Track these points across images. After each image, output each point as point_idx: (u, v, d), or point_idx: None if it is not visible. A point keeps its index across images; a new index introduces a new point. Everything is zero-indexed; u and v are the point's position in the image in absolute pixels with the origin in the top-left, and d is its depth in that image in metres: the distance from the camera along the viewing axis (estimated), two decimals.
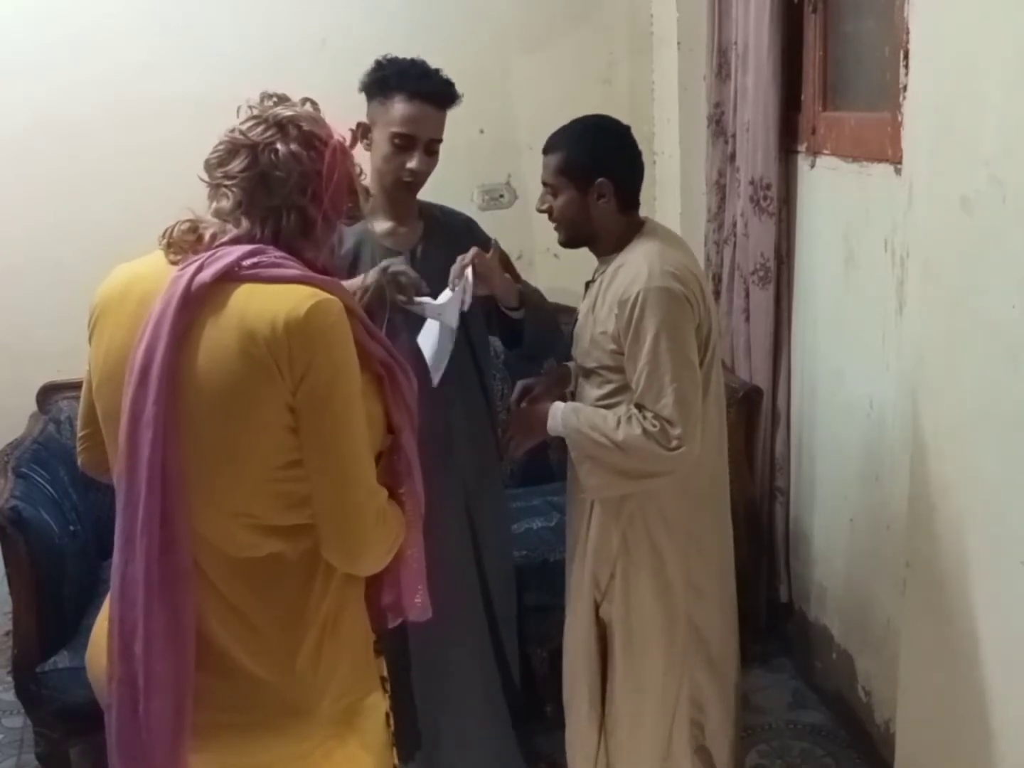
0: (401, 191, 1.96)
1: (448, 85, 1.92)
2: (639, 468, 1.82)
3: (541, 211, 1.92)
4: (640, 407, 1.78)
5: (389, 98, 1.88)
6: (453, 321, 1.82)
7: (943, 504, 1.65)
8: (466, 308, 1.84)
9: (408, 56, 1.94)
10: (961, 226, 1.53)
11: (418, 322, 1.87)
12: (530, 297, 2.02)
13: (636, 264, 1.81)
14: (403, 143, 1.89)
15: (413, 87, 1.87)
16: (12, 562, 2.21)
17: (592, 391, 1.91)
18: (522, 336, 2.02)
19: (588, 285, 1.97)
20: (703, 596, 1.95)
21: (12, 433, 2.67)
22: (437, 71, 1.93)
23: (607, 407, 1.86)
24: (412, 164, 1.90)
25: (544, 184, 1.89)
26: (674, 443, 1.75)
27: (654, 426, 1.75)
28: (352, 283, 1.79)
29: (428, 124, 1.90)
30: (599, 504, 1.92)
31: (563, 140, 1.87)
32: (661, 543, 1.90)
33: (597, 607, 1.97)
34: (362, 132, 1.93)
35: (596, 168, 1.83)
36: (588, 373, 1.93)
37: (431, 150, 1.93)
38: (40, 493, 2.41)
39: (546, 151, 1.88)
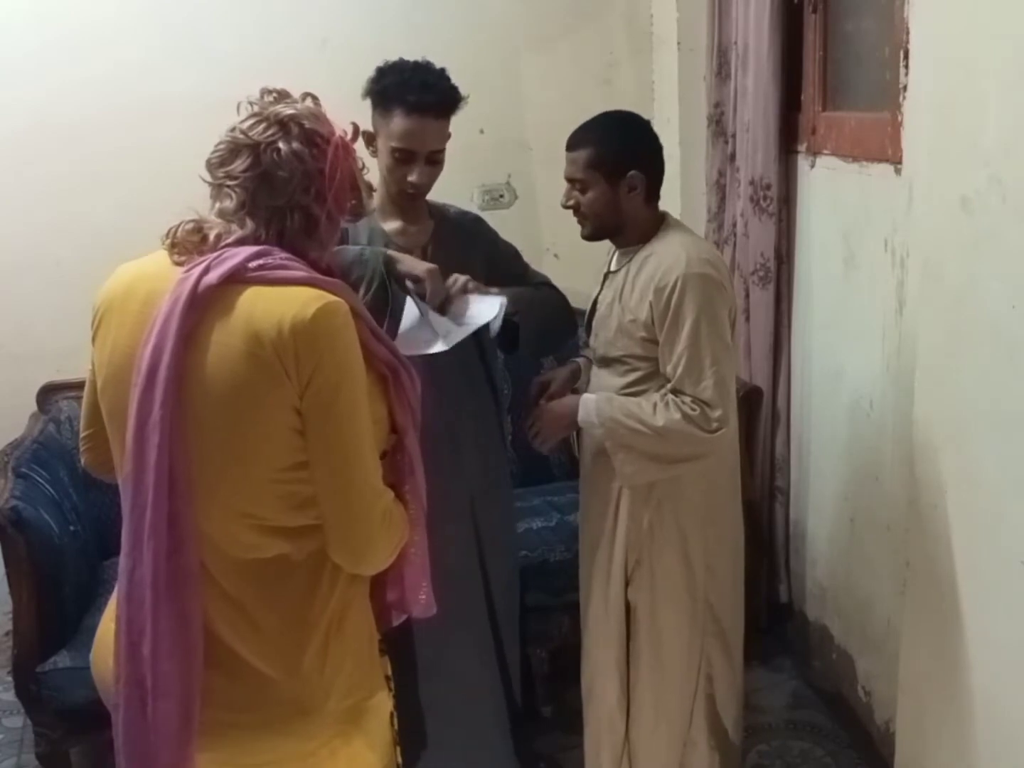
0: (406, 200, 1.96)
1: (449, 92, 1.88)
2: (677, 452, 1.85)
3: (567, 207, 1.92)
4: (677, 391, 1.81)
5: (389, 111, 1.86)
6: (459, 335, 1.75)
7: (943, 504, 1.65)
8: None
9: (409, 57, 1.93)
10: (961, 226, 1.53)
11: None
12: (526, 302, 1.99)
13: (671, 252, 1.84)
14: (403, 157, 1.87)
15: (413, 100, 1.83)
16: (12, 562, 2.20)
17: (615, 380, 1.93)
18: (517, 338, 2.00)
19: (607, 275, 1.99)
20: (717, 575, 1.99)
21: (12, 433, 2.66)
22: (440, 73, 1.89)
23: (631, 395, 1.89)
24: (413, 177, 1.89)
25: (571, 180, 1.90)
26: (714, 425, 1.79)
27: (693, 410, 1.78)
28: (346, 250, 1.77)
29: (428, 137, 1.87)
30: (627, 491, 1.94)
31: (591, 135, 1.88)
32: (685, 527, 1.94)
33: (625, 593, 1.99)
34: (367, 139, 1.92)
35: (627, 161, 1.85)
36: (611, 362, 1.94)
37: (433, 160, 1.91)
38: (40, 493, 2.40)
39: (572, 147, 1.89)
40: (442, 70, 1.91)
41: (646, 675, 2.00)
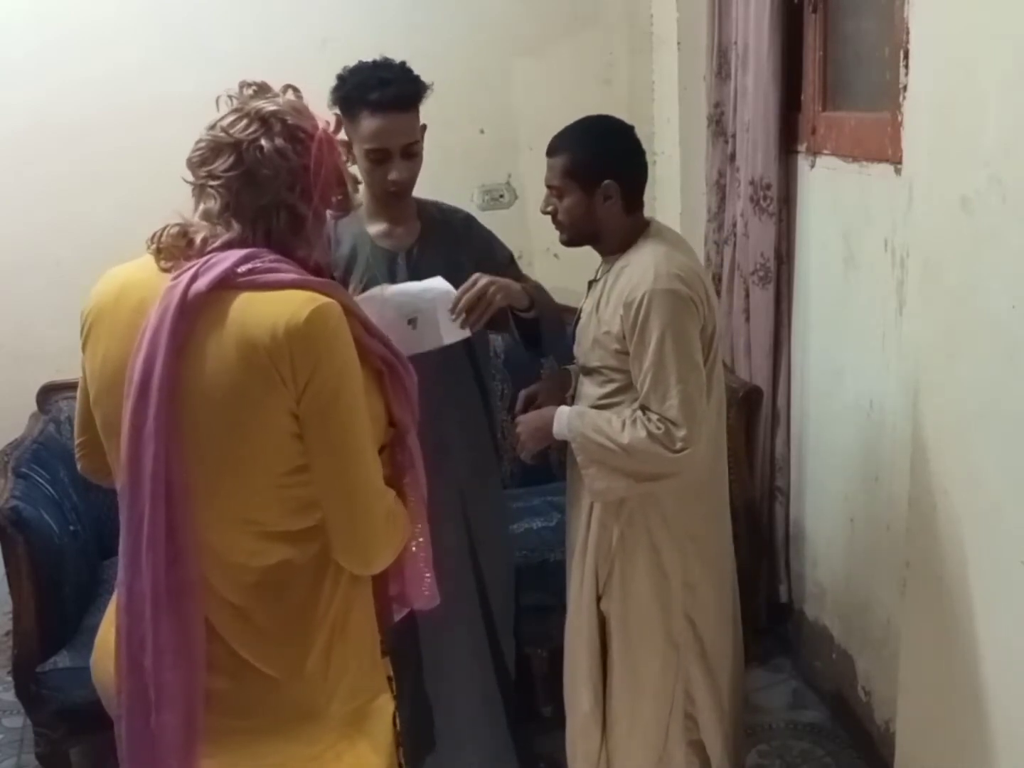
0: (392, 199, 1.95)
1: (410, 84, 1.87)
2: (644, 471, 1.82)
3: (546, 212, 1.91)
4: (644, 409, 1.78)
5: (356, 115, 1.85)
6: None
7: (943, 504, 1.65)
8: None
9: (409, 57, 1.92)
10: (961, 226, 1.53)
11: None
12: (538, 296, 2.00)
13: (641, 266, 1.81)
14: (378, 156, 1.87)
15: (375, 100, 1.82)
16: (12, 562, 2.21)
17: (594, 389, 1.91)
18: (540, 337, 2.01)
19: (591, 284, 1.98)
20: (699, 592, 1.96)
21: (12, 433, 2.67)
22: (401, 67, 1.88)
23: (609, 406, 1.87)
24: (392, 175, 1.88)
25: (548, 186, 1.88)
26: (679, 445, 1.75)
27: (658, 428, 1.75)
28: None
29: (397, 132, 1.86)
30: (599, 503, 1.93)
31: (568, 142, 1.86)
32: (659, 541, 1.91)
33: (598, 604, 1.97)
34: (345, 149, 1.91)
35: (602, 170, 1.82)
36: (590, 371, 1.93)
37: (410, 153, 1.89)
38: (40, 493, 2.41)
39: (550, 153, 1.87)
40: (402, 64, 1.89)
41: (619, 685, 1.98)
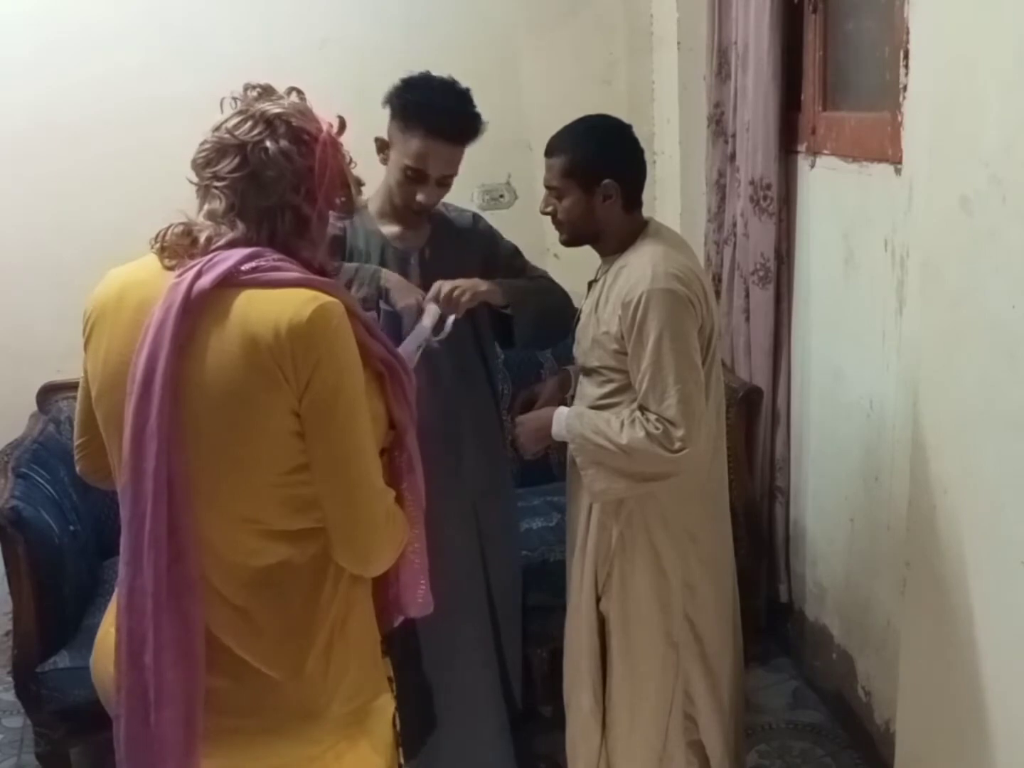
0: (410, 213, 1.95)
1: (471, 120, 1.86)
2: (643, 471, 1.82)
3: (545, 213, 1.91)
4: (643, 409, 1.78)
5: (408, 128, 1.83)
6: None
7: (943, 504, 1.65)
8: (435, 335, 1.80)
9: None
10: (961, 226, 1.53)
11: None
12: (521, 293, 2.00)
13: (640, 266, 1.81)
14: (415, 176, 1.87)
15: (433, 124, 1.81)
16: (12, 562, 2.21)
17: (593, 390, 1.91)
18: (512, 332, 2.01)
19: (591, 284, 1.98)
20: (698, 593, 1.96)
21: (12, 433, 2.67)
22: (465, 96, 1.86)
23: (608, 406, 1.87)
24: (421, 197, 1.88)
25: (548, 187, 1.88)
26: (677, 445, 1.75)
27: (657, 428, 1.75)
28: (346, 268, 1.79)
29: (443, 162, 1.86)
30: (598, 503, 1.93)
31: (567, 142, 1.86)
32: (658, 541, 1.91)
33: (598, 604, 1.97)
34: (380, 146, 1.91)
35: (601, 169, 1.82)
36: (589, 372, 1.93)
37: (444, 183, 1.90)
38: (40, 493, 2.41)
39: (549, 153, 1.87)
40: (466, 91, 1.88)
41: (619, 685, 1.98)
